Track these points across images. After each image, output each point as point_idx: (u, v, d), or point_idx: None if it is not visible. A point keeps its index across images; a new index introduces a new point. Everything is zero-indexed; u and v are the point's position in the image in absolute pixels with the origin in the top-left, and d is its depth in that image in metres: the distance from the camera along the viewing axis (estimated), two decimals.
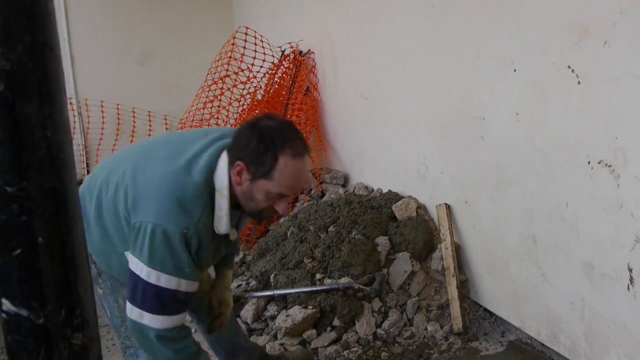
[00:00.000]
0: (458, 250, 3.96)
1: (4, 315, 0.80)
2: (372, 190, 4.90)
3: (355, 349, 3.54)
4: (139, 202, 1.98)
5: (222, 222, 2.04)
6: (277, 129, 2.00)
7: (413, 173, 4.35)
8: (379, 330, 3.70)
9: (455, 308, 3.80)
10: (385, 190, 4.68)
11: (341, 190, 5.17)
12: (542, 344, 3.43)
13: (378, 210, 4.35)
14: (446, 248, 3.92)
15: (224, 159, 2.04)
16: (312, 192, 5.50)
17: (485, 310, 3.90)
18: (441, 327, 3.79)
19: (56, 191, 0.80)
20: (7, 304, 0.79)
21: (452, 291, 3.84)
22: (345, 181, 5.49)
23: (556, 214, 3.08)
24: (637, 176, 2.60)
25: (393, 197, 4.44)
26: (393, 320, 3.73)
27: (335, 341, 3.61)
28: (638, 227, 2.63)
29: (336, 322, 3.66)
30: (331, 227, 4.21)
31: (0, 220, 0.76)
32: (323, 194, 5.38)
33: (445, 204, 3.99)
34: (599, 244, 2.85)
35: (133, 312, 2.02)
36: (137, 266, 1.96)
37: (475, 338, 3.75)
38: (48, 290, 0.80)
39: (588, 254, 2.92)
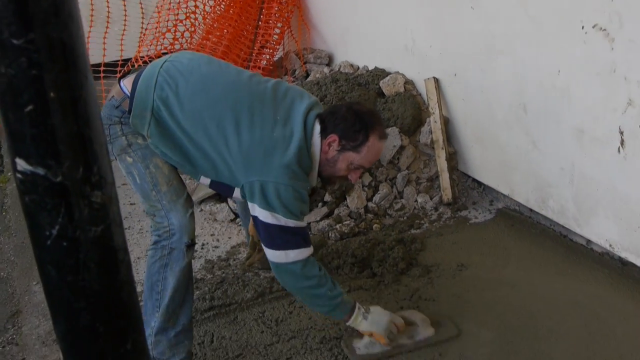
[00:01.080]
0: (447, 124, 3.96)
1: (19, 175, 0.78)
2: (358, 68, 4.83)
3: (347, 222, 3.61)
4: (263, 159, 2.26)
5: (313, 180, 2.44)
6: (369, 113, 2.46)
7: (400, 48, 4.27)
8: (370, 204, 3.76)
9: (444, 179, 3.86)
10: (371, 67, 4.60)
11: (326, 70, 5.09)
12: (531, 210, 3.52)
13: (365, 87, 4.30)
14: (435, 122, 3.92)
15: (317, 129, 2.37)
16: (297, 72, 5.42)
17: (474, 180, 3.97)
18: (431, 199, 3.86)
19: (64, 43, 0.76)
20: (22, 164, 0.77)
21: (441, 163, 3.88)
22: (329, 60, 5.39)
23: (548, 81, 3.06)
24: (631, 39, 2.58)
25: (380, 73, 4.38)
26: (383, 194, 3.79)
27: (327, 216, 3.68)
28: (631, 90, 2.63)
29: (327, 198, 3.71)
30: None
31: (9, 75, 0.73)
32: (307, 74, 5.30)
33: (434, 77, 3.95)
34: (590, 108, 2.86)
35: (276, 256, 2.33)
36: (273, 217, 2.27)
37: (464, 207, 3.83)
38: (63, 147, 0.78)
39: (579, 119, 2.94)
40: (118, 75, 5.27)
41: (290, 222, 2.29)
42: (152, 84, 2.31)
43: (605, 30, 2.68)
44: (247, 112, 2.29)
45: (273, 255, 2.33)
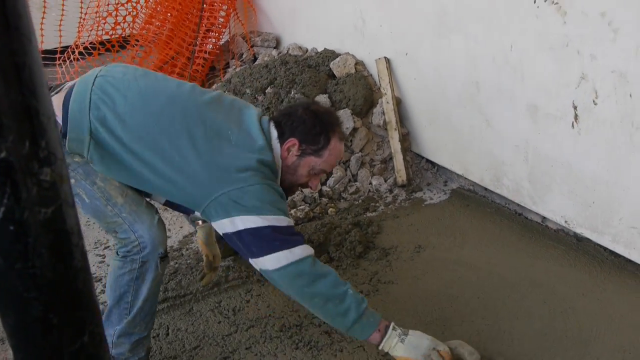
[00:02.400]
0: (399, 104, 3.93)
1: None
2: (307, 50, 4.75)
3: (302, 207, 3.54)
4: (227, 169, 2.06)
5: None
6: (329, 113, 2.34)
7: (350, 28, 4.21)
8: (324, 188, 3.71)
9: (398, 161, 3.83)
10: (320, 49, 4.54)
11: (274, 53, 5.00)
12: (485, 189, 3.52)
13: (316, 69, 4.24)
14: (387, 102, 3.88)
15: (274, 134, 2.23)
16: (244, 56, 5.31)
17: (428, 161, 3.95)
18: (385, 181, 3.83)
19: (3, 1, 0.67)
20: None
21: (395, 145, 3.85)
22: (277, 43, 5.30)
23: (500, 57, 3.04)
24: (584, 11, 2.57)
25: (330, 54, 4.32)
26: (337, 177, 3.74)
27: None
28: (584, 64, 2.63)
29: None
30: (269, 88, 4.09)
31: None
32: (255, 58, 5.20)
33: (385, 57, 3.90)
34: (543, 84, 2.86)
35: (275, 260, 2.04)
36: (261, 219, 2.02)
37: (419, 189, 3.81)
38: (6, 119, 0.69)
39: (532, 96, 2.93)
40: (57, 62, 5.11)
41: (282, 219, 2.06)
42: (85, 104, 2.09)
43: (557, 3, 2.67)
44: (199, 123, 2.11)
45: (271, 261, 2.03)
